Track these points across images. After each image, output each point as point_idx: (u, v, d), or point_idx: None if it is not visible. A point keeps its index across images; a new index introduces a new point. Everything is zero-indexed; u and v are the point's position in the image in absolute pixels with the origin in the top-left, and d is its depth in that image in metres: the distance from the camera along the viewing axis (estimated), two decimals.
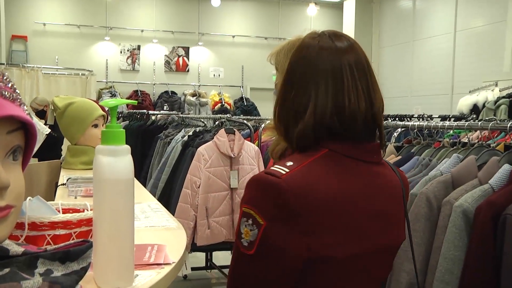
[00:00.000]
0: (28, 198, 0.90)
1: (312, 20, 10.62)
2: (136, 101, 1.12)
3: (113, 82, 9.50)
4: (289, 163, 1.00)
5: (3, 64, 7.73)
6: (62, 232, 0.90)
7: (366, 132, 1.08)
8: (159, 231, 1.27)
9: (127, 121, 5.70)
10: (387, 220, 1.09)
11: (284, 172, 0.97)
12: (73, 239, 0.92)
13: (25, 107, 0.68)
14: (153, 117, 5.55)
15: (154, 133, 4.77)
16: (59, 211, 1.03)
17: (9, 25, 8.83)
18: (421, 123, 2.27)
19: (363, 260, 1.06)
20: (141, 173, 4.45)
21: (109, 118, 2.87)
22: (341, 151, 1.04)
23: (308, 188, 0.97)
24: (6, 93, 0.63)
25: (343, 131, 1.04)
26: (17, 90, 0.67)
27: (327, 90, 1.05)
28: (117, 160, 0.82)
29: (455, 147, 2.10)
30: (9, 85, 0.65)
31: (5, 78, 0.65)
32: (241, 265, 1.00)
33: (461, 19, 7.97)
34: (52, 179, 2.61)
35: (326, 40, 1.09)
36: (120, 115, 6.29)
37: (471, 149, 1.97)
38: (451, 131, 2.87)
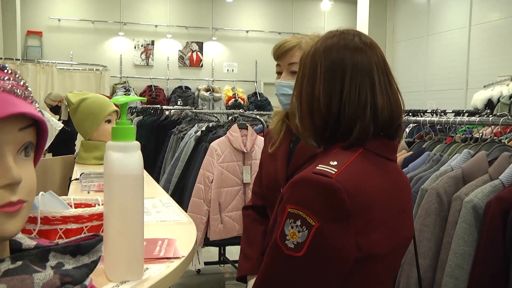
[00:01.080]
0: (41, 193, 0.92)
1: (326, 15, 10.58)
2: (146, 98, 1.14)
3: (127, 77, 9.56)
4: (333, 162, 0.99)
5: (19, 59, 7.82)
6: (73, 226, 0.92)
7: (399, 130, 1.13)
8: (170, 225, 1.29)
9: (141, 116, 5.74)
10: (407, 215, 1.14)
11: (333, 172, 0.97)
12: (84, 233, 0.94)
13: (36, 104, 0.70)
14: (167, 112, 5.58)
15: (167, 128, 4.79)
16: (71, 206, 1.05)
17: (25, 21, 8.92)
18: (432, 119, 2.26)
19: (395, 254, 1.10)
20: (155, 168, 4.48)
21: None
22: (376, 150, 1.07)
23: (358, 187, 0.98)
24: (18, 91, 0.64)
25: (388, 129, 1.08)
26: (29, 88, 0.68)
27: (381, 87, 1.08)
28: (127, 155, 0.84)
29: (466, 142, 2.09)
30: (21, 83, 0.66)
31: (17, 76, 0.66)
32: (285, 267, 0.97)
33: (476, 13, 7.88)
34: (66, 174, 2.65)
35: (357, 38, 1.11)
36: (134, 110, 6.34)
37: (482, 144, 1.96)
38: (464, 127, 2.85)
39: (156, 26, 9.84)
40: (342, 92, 1.06)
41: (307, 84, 1.11)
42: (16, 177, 0.61)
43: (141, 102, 7.98)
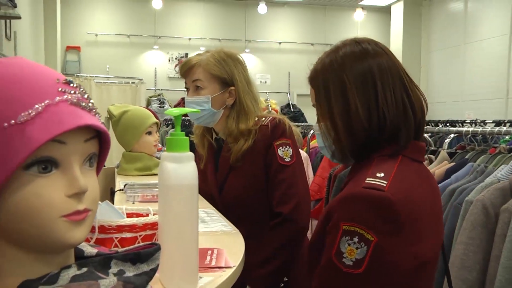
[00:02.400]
0: (98, 202, 0.94)
1: (359, 25, 10.53)
2: (199, 110, 1.15)
3: (161, 89, 9.70)
4: (380, 174, 0.99)
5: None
6: (128, 235, 0.94)
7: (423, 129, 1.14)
8: (217, 235, 1.30)
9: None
10: (441, 219, 1.13)
11: (384, 185, 0.96)
12: (138, 242, 0.95)
13: (99, 116, 0.72)
14: None
15: None
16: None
17: (64, 36, 9.19)
18: (475, 129, 2.22)
19: (436, 260, 1.10)
20: None
21: (161, 125, 2.92)
22: (411, 155, 1.06)
23: (408, 197, 0.97)
24: (84, 103, 0.66)
25: (418, 130, 1.09)
26: (91, 101, 0.71)
27: (411, 87, 1.09)
28: (181, 166, 0.85)
29: None
30: (86, 96, 0.69)
31: (81, 89, 0.68)
32: (344, 285, 0.96)
33: None
34: (107, 184, 2.70)
35: (372, 44, 1.11)
36: (169, 122, 6.40)
37: None
38: (507, 137, 2.79)
39: (189, 39, 9.97)
40: (378, 99, 1.04)
41: (336, 100, 1.07)
42: (83, 187, 0.63)
43: None
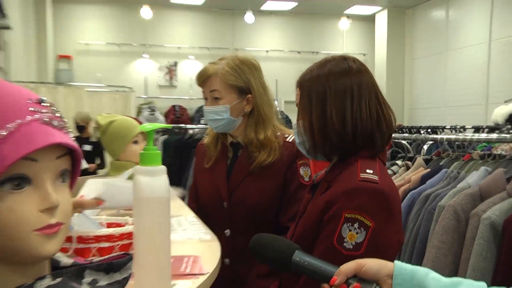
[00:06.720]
0: (76, 214, 0.99)
1: (344, 34, 10.63)
2: (171, 126, 1.20)
3: (152, 97, 9.73)
4: (370, 171, 1.14)
5: (51, 83, 8.03)
6: (106, 244, 0.99)
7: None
8: (195, 243, 1.34)
9: (167, 135, 5.83)
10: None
11: (377, 179, 1.12)
12: (116, 251, 1.00)
13: (71, 134, 0.77)
14: (191, 131, 5.67)
15: (192, 147, 4.85)
16: (103, 225, 1.12)
17: (56, 45, 9.23)
18: (449, 136, 2.29)
19: None
20: (180, 186, 4.54)
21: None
22: (383, 159, 1.23)
23: (394, 192, 1.16)
24: (55, 122, 0.69)
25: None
26: (64, 119, 0.74)
27: (384, 102, 1.25)
28: (154, 179, 0.90)
29: (484, 159, 2.11)
30: (57, 114, 0.71)
31: (53, 108, 0.71)
32: None
33: (496, 28, 7.82)
34: None
35: (358, 62, 1.26)
36: (160, 129, 6.41)
37: (500, 162, 1.98)
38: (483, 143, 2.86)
39: (178, 47, 10.02)
40: (353, 110, 1.18)
41: (316, 105, 1.21)
42: (55, 202, 0.67)
43: (165, 120, 8.14)
